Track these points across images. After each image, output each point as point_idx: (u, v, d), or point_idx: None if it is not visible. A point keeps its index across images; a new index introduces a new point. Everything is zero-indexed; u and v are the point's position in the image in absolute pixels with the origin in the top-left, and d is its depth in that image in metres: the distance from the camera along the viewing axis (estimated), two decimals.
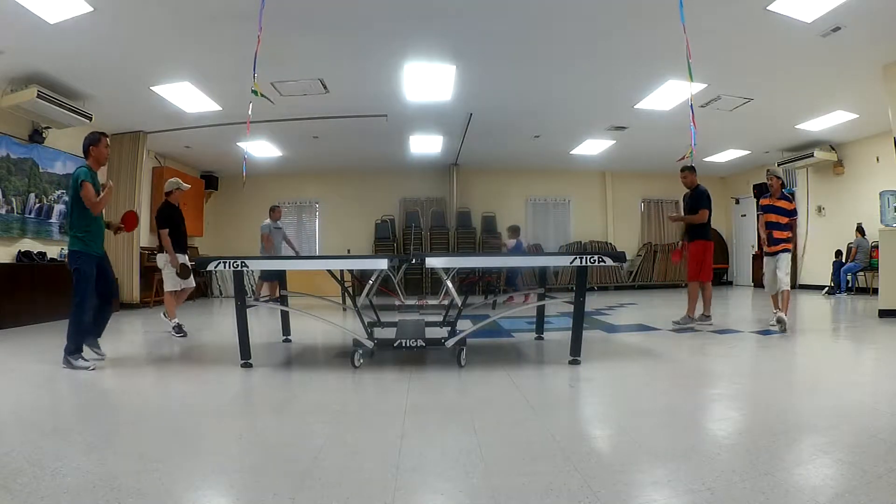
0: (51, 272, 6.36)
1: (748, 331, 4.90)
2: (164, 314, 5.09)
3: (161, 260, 5.09)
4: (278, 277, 5.12)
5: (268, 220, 7.82)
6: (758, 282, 11.07)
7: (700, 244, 5.25)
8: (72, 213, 3.69)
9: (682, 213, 5.61)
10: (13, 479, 1.68)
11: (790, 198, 5.15)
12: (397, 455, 1.90)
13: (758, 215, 5.34)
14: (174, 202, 5.18)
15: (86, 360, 3.53)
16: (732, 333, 4.79)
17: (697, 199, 5.27)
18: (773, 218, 5.07)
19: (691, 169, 5.44)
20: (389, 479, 1.69)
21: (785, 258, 4.99)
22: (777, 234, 5.02)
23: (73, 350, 3.51)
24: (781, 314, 4.77)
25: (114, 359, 3.82)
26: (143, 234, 8.62)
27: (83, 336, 3.57)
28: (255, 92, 4.19)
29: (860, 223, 8.79)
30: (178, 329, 4.85)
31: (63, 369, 3.47)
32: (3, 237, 6.09)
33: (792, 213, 5.09)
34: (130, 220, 4.14)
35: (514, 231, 9.04)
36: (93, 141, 3.71)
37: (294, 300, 5.65)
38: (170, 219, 5.07)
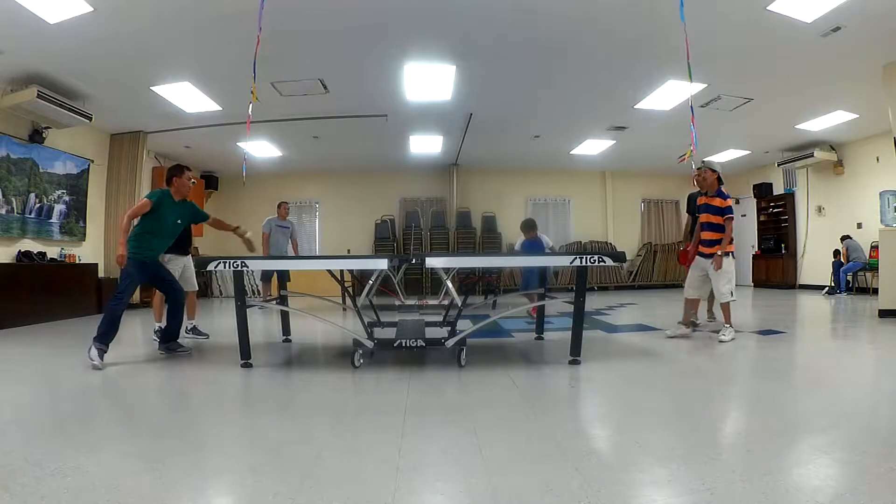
0: (51, 272, 6.36)
1: (748, 331, 4.89)
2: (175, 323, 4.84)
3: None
4: (278, 278, 5.03)
5: (273, 216, 7.50)
6: (758, 281, 11.11)
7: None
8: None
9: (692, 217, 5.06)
10: (13, 479, 1.68)
11: (725, 194, 4.48)
12: (397, 455, 1.90)
13: (693, 216, 4.68)
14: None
15: (100, 355, 3.55)
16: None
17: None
18: (704, 218, 4.49)
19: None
20: (389, 479, 1.69)
21: (729, 265, 4.43)
22: (710, 236, 4.45)
23: (97, 336, 3.57)
24: (729, 330, 4.34)
25: (113, 359, 3.81)
26: None
27: (109, 326, 3.61)
28: (253, 94, 4.20)
29: (845, 234, 8.89)
30: (159, 333, 4.62)
31: (62, 369, 3.48)
32: (3, 237, 6.09)
33: (725, 211, 4.40)
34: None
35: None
36: (176, 173, 4.01)
37: (294, 300, 5.65)
38: None
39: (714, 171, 4.45)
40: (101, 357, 3.56)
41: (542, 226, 11.87)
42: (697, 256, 4.58)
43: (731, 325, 4.43)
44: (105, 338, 3.62)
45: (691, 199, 5.17)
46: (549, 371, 3.45)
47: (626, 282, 11.59)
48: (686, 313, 4.64)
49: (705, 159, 4.57)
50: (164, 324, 4.69)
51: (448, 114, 7.51)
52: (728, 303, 4.43)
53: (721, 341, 4.26)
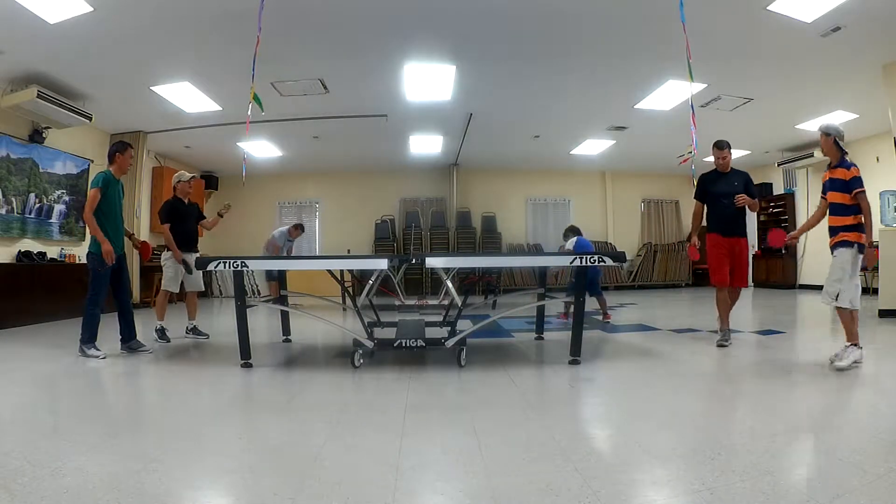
0: (51, 272, 6.36)
1: (748, 331, 4.89)
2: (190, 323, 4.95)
3: (163, 257, 4.87)
4: (278, 278, 5.06)
5: (284, 229, 7.64)
6: (758, 281, 11.08)
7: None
8: None
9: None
10: (13, 479, 1.68)
11: (848, 162, 3.42)
12: (397, 455, 1.90)
13: (821, 198, 3.54)
14: (181, 196, 4.93)
15: (98, 349, 3.77)
16: (733, 334, 4.77)
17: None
18: (836, 198, 3.36)
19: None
20: (389, 479, 1.69)
21: (843, 256, 3.39)
22: (837, 221, 3.42)
23: (86, 340, 3.79)
24: (848, 352, 3.18)
25: (113, 359, 3.82)
26: (144, 233, 8.62)
27: (95, 328, 3.81)
28: (256, 98, 4.20)
29: None
30: (162, 333, 4.64)
31: (62, 369, 3.48)
32: (3, 237, 6.09)
33: (853, 185, 3.34)
34: (145, 250, 4.70)
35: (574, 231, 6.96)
36: (119, 149, 3.99)
37: (294, 300, 5.65)
38: (172, 214, 4.81)
39: (829, 134, 3.35)
40: (97, 348, 3.74)
41: (542, 226, 11.90)
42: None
43: (855, 345, 3.20)
44: (90, 340, 3.77)
45: (704, 181, 4.36)
46: (549, 371, 3.46)
47: (626, 282, 11.59)
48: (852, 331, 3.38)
49: (822, 124, 3.50)
50: (165, 323, 4.73)
51: (448, 114, 7.50)
52: (848, 310, 3.26)
53: (839, 368, 3.13)
